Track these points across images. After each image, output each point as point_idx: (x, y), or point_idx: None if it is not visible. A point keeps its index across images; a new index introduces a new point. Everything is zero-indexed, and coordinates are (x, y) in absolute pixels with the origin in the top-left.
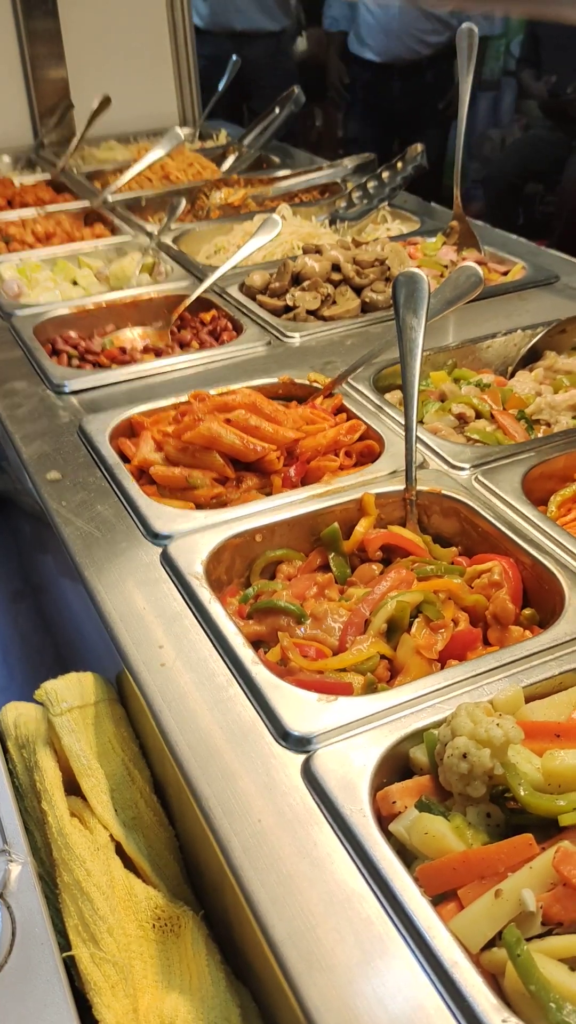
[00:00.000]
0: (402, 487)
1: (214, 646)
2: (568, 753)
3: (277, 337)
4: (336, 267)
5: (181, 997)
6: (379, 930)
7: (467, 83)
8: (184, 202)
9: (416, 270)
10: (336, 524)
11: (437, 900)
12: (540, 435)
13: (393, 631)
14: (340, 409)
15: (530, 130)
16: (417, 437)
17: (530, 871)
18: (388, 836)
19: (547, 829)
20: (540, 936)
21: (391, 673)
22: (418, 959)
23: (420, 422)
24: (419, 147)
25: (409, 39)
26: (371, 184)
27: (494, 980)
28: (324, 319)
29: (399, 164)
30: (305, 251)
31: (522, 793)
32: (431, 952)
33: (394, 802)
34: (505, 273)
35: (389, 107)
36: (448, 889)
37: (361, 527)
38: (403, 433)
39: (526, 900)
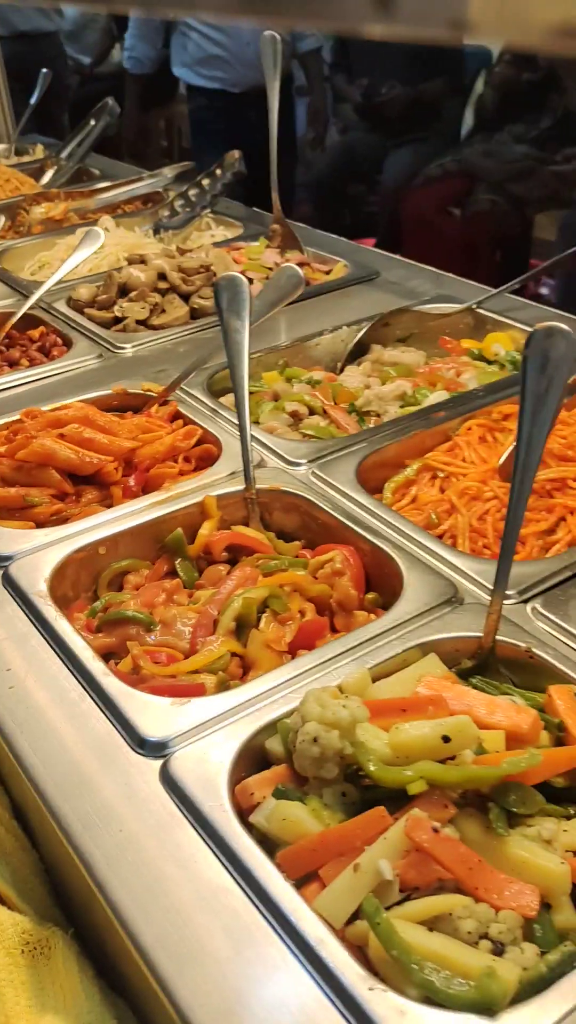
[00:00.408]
0: (242, 487)
1: (63, 663)
2: (412, 725)
3: (108, 349)
4: (162, 276)
5: (56, 1018)
6: (247, 920)
7: (274, 88)
8: (3, 219)
9: (235, 273)
10: (179, 529)
11: (300, 883)
12: (371, 426)
13: (242, 628)
14: (176, 416)
15: (347, 133)
16: (253, 437)
17: (385, 842)
18: (250, 828)
19: (399, 800)
20: (400, 903)
21: (243, 669)
22: (286, 943)
23: (256, 423)
24: (236, 154)
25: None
26: (192, 192)
27: (361, 952)
28: (154, 328)
29: (218, 171)
30: (130, 262)
31: (372, 768)
32: (297, 934)
33: (252, 794)
34: (328, 272)
35: (241, 133)
36: (310, 870)
37: (204, 530)
38: (239, 434)
39: (383, 870)
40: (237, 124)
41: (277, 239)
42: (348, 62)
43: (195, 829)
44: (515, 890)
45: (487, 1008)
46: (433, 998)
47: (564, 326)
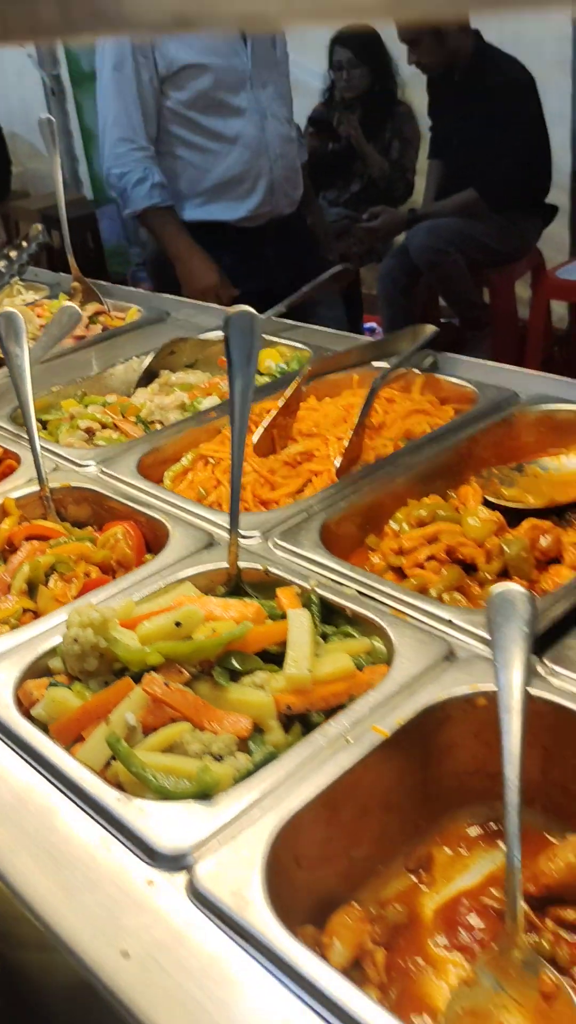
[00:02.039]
0: (38, 489)
1: None
2: (152, 620)
3: None
4: None
5: None
6: (41, 791)
7: (56, 163)
8: None
9: (11, 309)
10: None
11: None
12: None
13: (34, 589)
14: None
15: None
16: (51, 451)
17: (128, 700)
18: (33, 721)
19: None
20: None
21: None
22: (59, 789)
23: (56, 442)
24: (39, 227)
25: (288, 186)
26: (0, 264)
27: (121, 787)
28: None
29: (24, 243)
30: None
31: (120, 653)
32: (67, 779)
33: (32, 693)
34: (124, 319)
35: (252, 275)
36: (76, 736)
37: (5, 525)
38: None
39: (128, 719)
40: (246, 263)
41: (78, 295)
42: None
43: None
44: (232, 720)
45: (204, 794)
46: (167, 797)
47: (250, 308)
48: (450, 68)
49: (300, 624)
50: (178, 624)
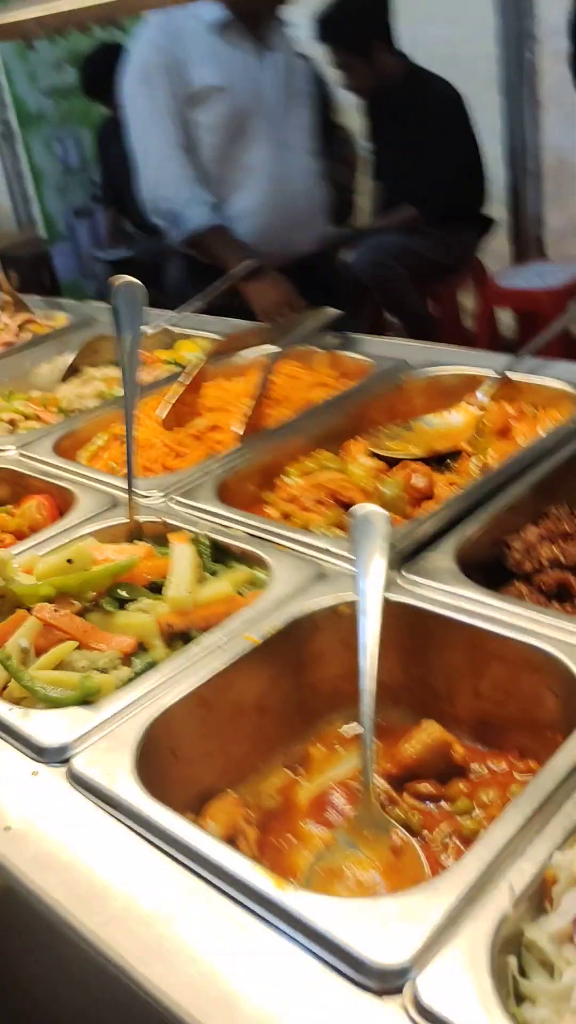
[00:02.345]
0: None
1: None
2: (44, 560)
3: None
4: None
5: None
6: None
7: None
8: None
9: None
10: None
11: None
12: None
13: None
14: None
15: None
16: None
17: (22, 628)
18: None
19: None
20: None
21: None
22: None
23: None
24: None
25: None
26: None
27: (16, 703)
28: None
29: None
30: None
31: (16, 589)
32: None
33: None
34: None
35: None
36: None
37: None
38: None
39: (20, 644)
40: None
41: (9, 308)
42: (119, 186)
43: None
44: (117, 640)
45: (86, 700)
46: (54, 705)
47: (134, 280)
48: (382, 91)
49: (182, 554)
50: (69, 561)
